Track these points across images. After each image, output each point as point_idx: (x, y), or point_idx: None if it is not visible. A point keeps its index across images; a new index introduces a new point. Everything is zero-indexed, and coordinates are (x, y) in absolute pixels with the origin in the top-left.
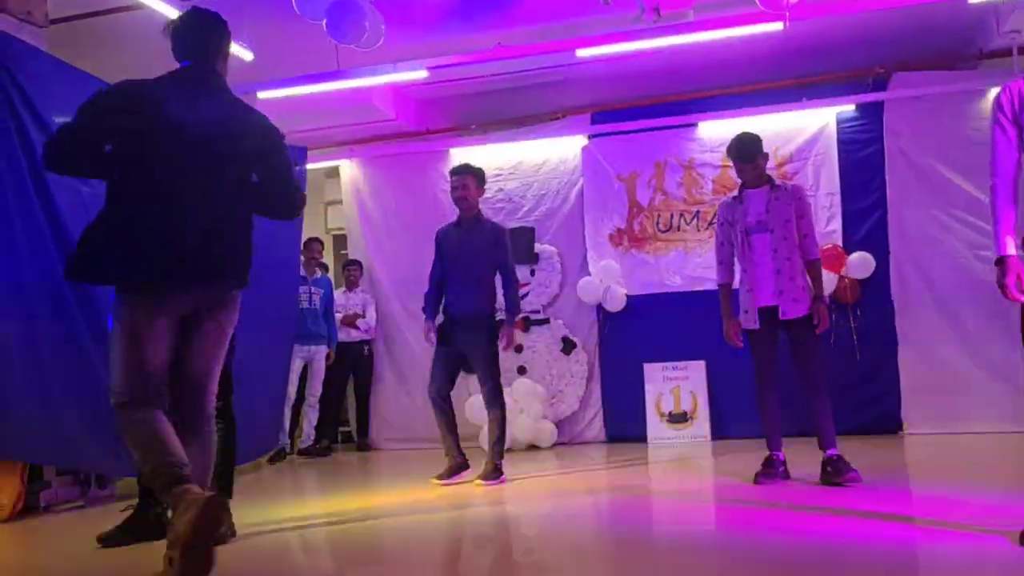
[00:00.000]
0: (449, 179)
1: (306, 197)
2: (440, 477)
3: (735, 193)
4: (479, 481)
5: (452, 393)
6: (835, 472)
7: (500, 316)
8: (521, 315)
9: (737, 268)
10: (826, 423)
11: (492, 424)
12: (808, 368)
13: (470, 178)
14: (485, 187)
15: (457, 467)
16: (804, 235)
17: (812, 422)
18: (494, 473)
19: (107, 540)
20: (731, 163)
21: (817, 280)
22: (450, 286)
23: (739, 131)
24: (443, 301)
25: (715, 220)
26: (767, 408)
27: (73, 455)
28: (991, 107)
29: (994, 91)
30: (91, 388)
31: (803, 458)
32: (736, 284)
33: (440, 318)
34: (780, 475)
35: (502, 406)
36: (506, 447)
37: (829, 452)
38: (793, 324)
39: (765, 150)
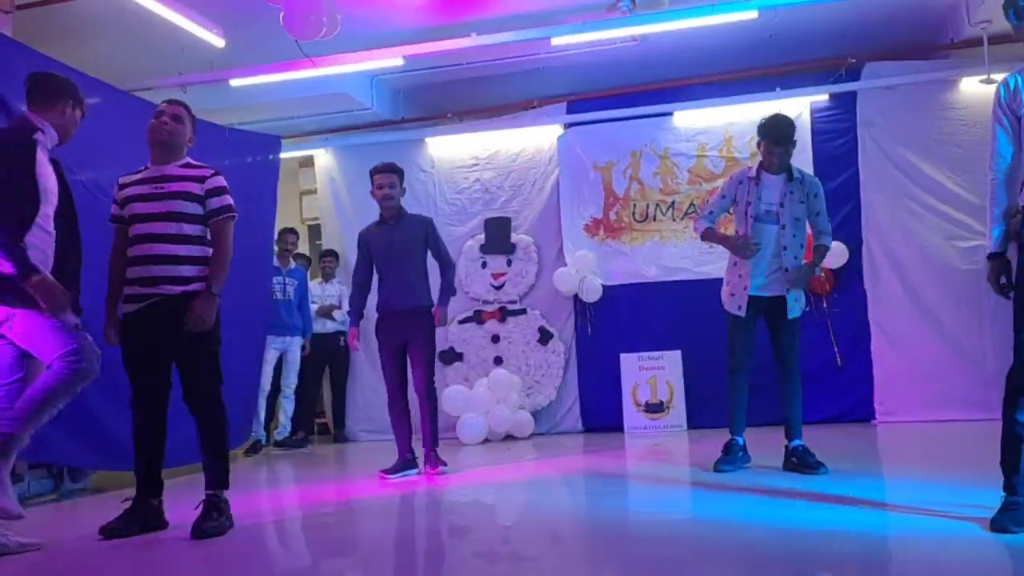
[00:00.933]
0: (372, 178)
1: None
2: (389, 471)
3: (752, 173)
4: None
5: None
6: (800, 463)
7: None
8: (498, 305)
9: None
10: (795, 413)
11: (429, 414)
12: (785, 355)
13: (396, 177)
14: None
15: (407, 464)
16: (819, 231)
17: (782, 410)
18: (436, 459)
19: (109, 532)
20: (707, 153)
21: (816, 259)
22: (387, 283)
23: (714, 120)
24: (380, 298)
25: (694, 204)
26: (736, 392)
27: (46, 449)
28: (992, 102)
29: (965, 80)
30: None
31: (778, 446)
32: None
33: (374, 316)
34: (740, 460)
35: (436, 397)
36: (484, 438)
37: (795, 442)
38: (770, 309)
39: (738, 140)
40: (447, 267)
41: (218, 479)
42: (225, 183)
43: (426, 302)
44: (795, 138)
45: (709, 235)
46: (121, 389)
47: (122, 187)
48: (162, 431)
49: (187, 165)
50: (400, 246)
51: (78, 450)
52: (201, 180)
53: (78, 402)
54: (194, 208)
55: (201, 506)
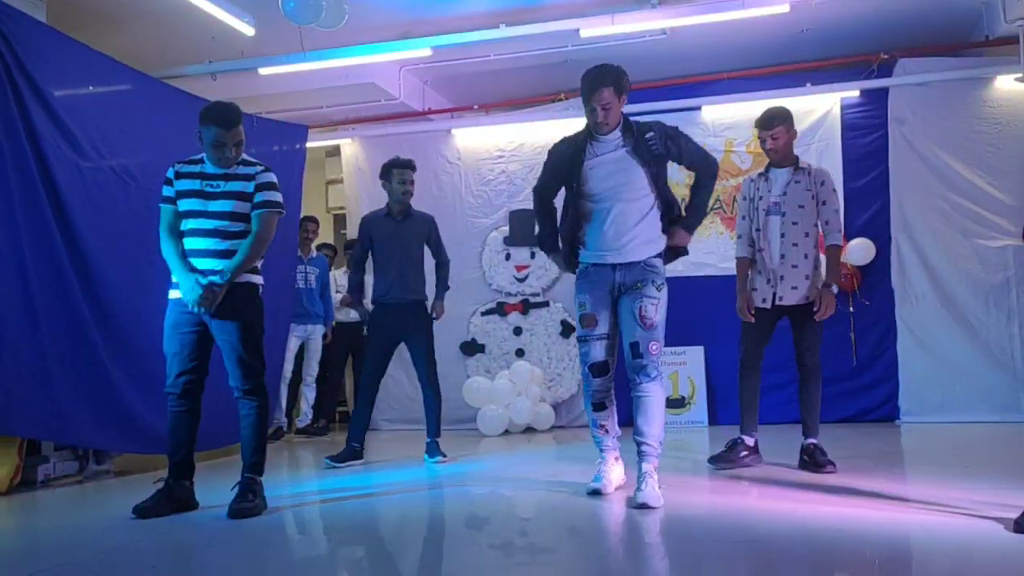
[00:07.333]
0: (392, 171)
1: None
2: (335, 459)
3: (761, 170)
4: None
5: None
6: (812, 461)
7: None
8: (521, 298)
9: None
10: (812, 412)
11: (436, 406)
12: (804, 355)
13: (414, 175)
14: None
15: (353, 454)
16: (825, 221)
17: (799, 408)
18: (437, 449)
19: (142, 511)
20: (734, 148)
21: (831, 266)
22: (386, 275)
23: (742, 115)
24: (377, 291)
25: (719, 199)
26: (745, 388)
27: (71, 431)
28: None
29: (1000, 78)
30: (89, 365)
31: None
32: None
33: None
34: (741, 461)
35: (439, 389)
36: (504, 430)
37: (809, 440)
38: (794, 310)
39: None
40: (444, 265)
41: (257, 465)
42: (275, 179)
43: (423, 296)
44: (787, 125)
45: (739, 265)
46: (146, 375)
47: (179, 176)
48: (198, 417)
49: (242, 163)
50: (404, 241)
51: (102, 433)
52: (252, 177)
53: (105, 386)
54: (245, 207)
55: (237, 487)
